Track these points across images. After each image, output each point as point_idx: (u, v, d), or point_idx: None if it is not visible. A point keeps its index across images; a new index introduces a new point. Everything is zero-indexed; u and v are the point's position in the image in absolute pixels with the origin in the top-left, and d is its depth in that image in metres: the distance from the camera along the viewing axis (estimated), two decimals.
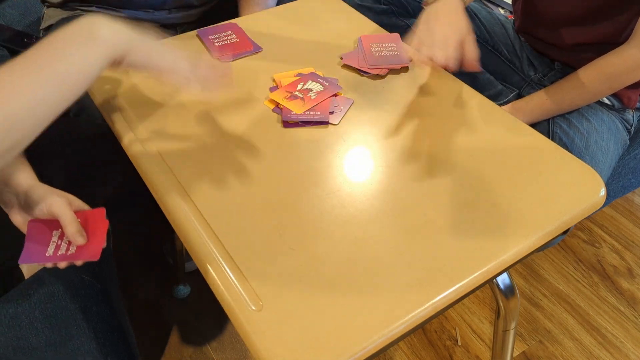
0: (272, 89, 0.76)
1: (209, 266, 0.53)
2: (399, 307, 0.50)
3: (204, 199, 0.60)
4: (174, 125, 0.70)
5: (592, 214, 0.66)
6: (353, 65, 0.81)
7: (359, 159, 0.67)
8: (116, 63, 0.53)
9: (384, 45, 0.85)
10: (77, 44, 0.49)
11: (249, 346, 0.48)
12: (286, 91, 0.75)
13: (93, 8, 1.04)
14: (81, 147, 0.88)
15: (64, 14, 1.04)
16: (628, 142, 1.01)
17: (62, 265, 0.58)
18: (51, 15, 1.06)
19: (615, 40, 0.91)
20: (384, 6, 1.12)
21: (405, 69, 0.82)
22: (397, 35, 0.88)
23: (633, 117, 1.01)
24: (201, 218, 0.58)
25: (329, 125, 0.71)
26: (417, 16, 0.86)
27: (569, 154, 0.68)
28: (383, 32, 0.90)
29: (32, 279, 0.71)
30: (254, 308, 0.49)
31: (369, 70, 0.80)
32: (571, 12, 0.96)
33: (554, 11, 0.99)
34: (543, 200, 0.61)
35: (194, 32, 0.88)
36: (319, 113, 0.71)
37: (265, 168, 0.64)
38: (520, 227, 0.58)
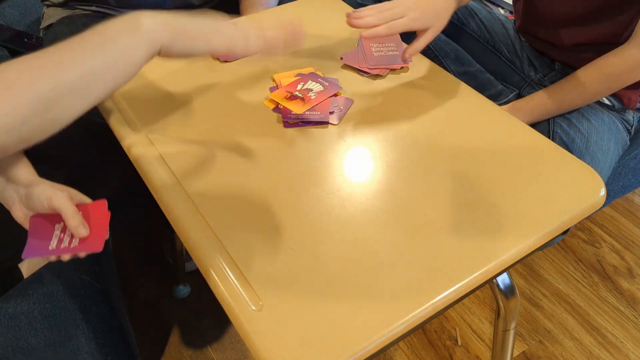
0: (272, 89, 0.76)
1: (209, 266, 0.53)
2: (398, 307, 0.50)
3: (204, 198, 0.60)
4: (174, 125, 0.70)
5: (592, 214, 0.66)
6: (353, 65, 0.81)
7: (359, 159, 0.66)
8: (164, 53, 0.54)
9: (384, 45, 0.85)
10: (123, 33, 0.51)
11: (249, 346, 0.48)
12: (286, 91, 0.75)
13: (93, 7, 1.04)
14: (81, 147, 0.88)
15: (64, 13, 1.04)
16: (628, 143, 1.01)
17: (66, 257, 0.58)
18: (51, 14, 1.06)
19: (615, 40, 0.91)
20: None
21: (405, 69, 0.82)
22: (397, 35, 0.88)
23: (633, 117, 1.01)
24: (201, 218, 0.58)
25: (329, 125, 0.71)
26: None
27: (569, 154, 0.68)
28: None
29: (32, 278, 0.71)
30: (254, 308, 0.49)
31: (369, 70, 0.80)
32: (571, 12, 0.96)
33: (555, 11, 0.99)
34: (543, 200, 0.61)
35: None
36: (319, 113, 0.71)
37: (265, 168, 0.64)
38: (520, 227, 0.58)
